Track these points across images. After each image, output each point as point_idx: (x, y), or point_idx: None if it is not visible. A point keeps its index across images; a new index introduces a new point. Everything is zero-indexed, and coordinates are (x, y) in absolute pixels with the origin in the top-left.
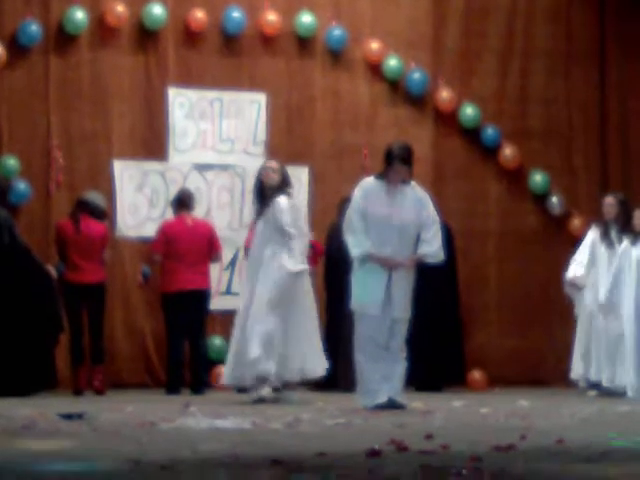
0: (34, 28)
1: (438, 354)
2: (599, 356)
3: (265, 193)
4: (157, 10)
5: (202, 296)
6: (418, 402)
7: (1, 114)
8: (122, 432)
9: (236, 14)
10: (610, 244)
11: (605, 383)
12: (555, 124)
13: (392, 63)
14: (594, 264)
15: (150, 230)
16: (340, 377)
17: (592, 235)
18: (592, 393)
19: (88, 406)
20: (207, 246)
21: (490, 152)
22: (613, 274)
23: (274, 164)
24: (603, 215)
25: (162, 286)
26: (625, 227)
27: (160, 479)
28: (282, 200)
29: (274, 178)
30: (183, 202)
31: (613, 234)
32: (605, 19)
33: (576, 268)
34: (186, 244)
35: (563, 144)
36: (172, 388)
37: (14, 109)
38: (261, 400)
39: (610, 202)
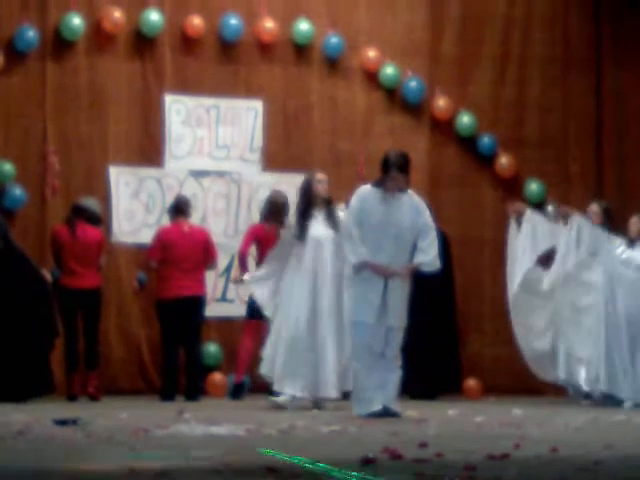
0: (31, 34)
1: (433, 362)
2: (593, 362)
3: (316, 205)
4: (154, 16)
5: (198, 303)
6: (412, 410)
7: None
8: (116, 438)
9: (233, 21)
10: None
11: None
12: (551, 132)
13: (389, 71)
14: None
15: (146, 236)
16: None
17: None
18: (585, 402)
19: (82, 412)
20: (203, 253)
21: (486, 160)
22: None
23: (324, 176)
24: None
25: (158, 292)
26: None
27: None
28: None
29: (326, 189)
30: (180, 208)
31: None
32: (601, 27)
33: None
34: (182, 251)
35: (559, 152)
36: (167, 395)
37: (10, 114)
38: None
39: (595, 210)
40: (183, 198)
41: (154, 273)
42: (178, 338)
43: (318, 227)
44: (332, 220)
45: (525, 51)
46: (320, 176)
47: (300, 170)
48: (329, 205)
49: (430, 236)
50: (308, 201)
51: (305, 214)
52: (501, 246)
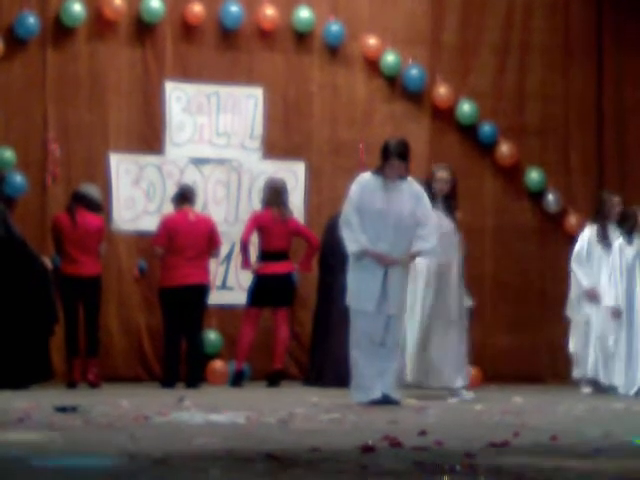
0: (32, 20)
1: None
2: (597, 354)
3: (436, 200)
4: (155, 4)
5: (201, 291)
6: (412, 398)
7: None
8: (116, 425)
9: (234, 8)
10: (608, 245)
11: (602, 380)
12: (552, 121)
13: (390, 59)
14: (591, 266)
15: (146, 224)
16: (326, 372)
17: (587, 235)
18: (587, 390)
19: (82, 399)
20: (208, 241)
21: (487, 149)
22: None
23: (444, 175)
24: (605, 215)
25: (162, 280)
26: (632, 228)
27: (154, 473)
28: None
29: (443, 189)
30: (185, 197)
31: (615, 235)
32: (603, 15)
33: (590, 278)
34: (187, 239)
35: (560, 141)
36: (167, 382)
37: (11, 101)
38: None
39: (618, 202)
40: (188, 186)
41: (156, 261)
42: (180, 326)
43: (440, 219)
44: (451, 216)
45: (526, 39)
46: (440, 175)
47: (300, 158)
48: (447, 202)
49: (430, 224)
50: (429, 195)
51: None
52: (501, 234)
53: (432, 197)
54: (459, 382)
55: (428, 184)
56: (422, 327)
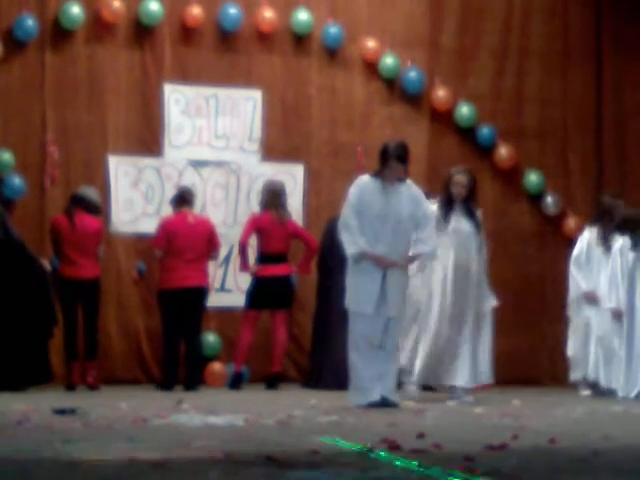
0: (30, 23)
1: None
2: (597, 356)
3: (455, 202)
4: (154, 6)
5: (200, 293)
6: (411, 401)
7: None
8: (115, 428)
9: (232, 11)
10: (609, 248)
11: (602, 382)
12: (550, 124)
13: (388, 61)
14: (590, 268)
15: (145, 226)
16: (326, 374)
17: (587, 237)
18: (586, 393)
19: (81, 401)
20: (207, 244)
21: (485, 151)
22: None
23: (461, 179)
24: (609, 218)
25: (160, 283)
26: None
27: (152, 476)
28: None
29: (461, 193)
30: (184, 199)
31: (615, 238)
32: (601, 19)
33: (589, 281)
34: (186, 241)
35: (558, 144)
36: (166, 384)
37: (9, 104)
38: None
39: (621, 205)
40: (187, 188)
41: (155, 263)
42: (179, 328)
43: (458, 222)
44: (473, 219)
45: (525, 42)
46: (457, 179)
47: (299, 160)
48: (466, 204)
49: (429, 226)
50: (446, 198)
51: (444, 208)
52: (500, 237)
53: (450, 200)
54: (470, 383)
55: (446, 187)
56: (438, 326)
